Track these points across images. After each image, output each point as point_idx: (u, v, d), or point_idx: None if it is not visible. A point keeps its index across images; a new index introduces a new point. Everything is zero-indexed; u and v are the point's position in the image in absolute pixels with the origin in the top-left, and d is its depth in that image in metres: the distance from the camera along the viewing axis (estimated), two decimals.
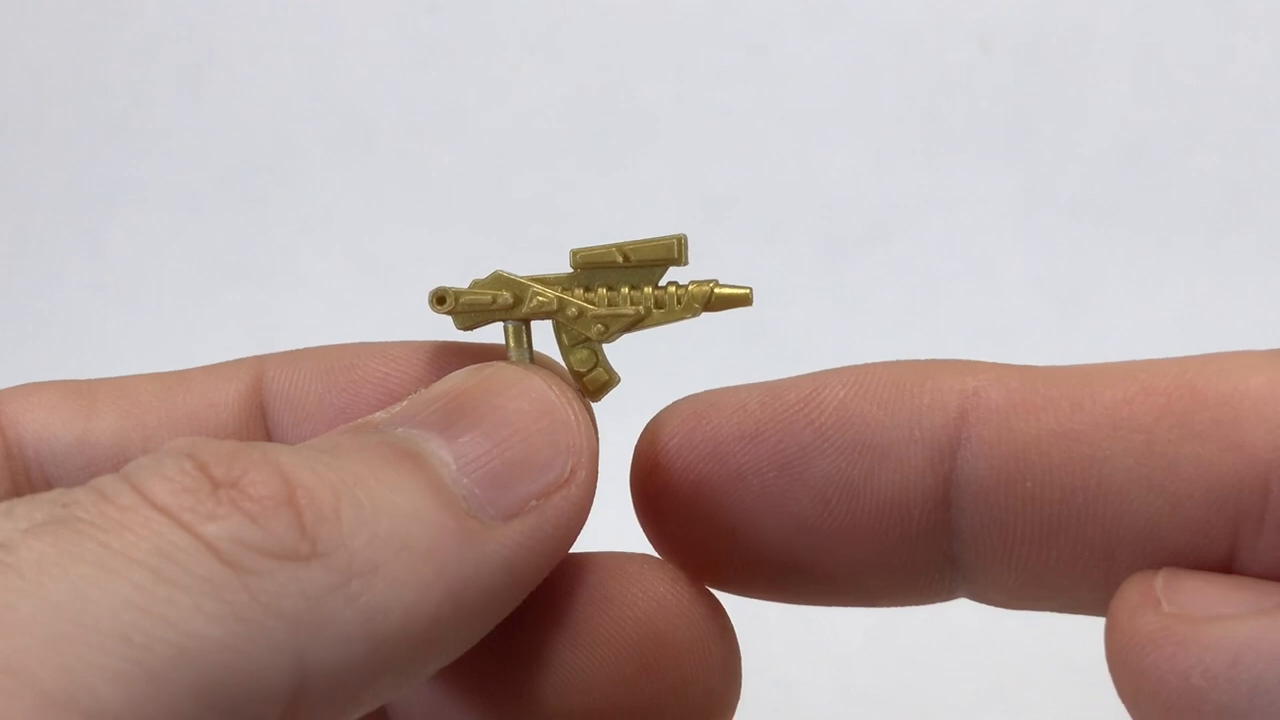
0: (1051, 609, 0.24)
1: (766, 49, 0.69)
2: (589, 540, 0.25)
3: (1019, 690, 0.55)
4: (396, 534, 0.20)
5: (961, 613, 0.59)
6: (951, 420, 0.22)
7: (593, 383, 0.25)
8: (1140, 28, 0.67)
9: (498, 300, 0.25)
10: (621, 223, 0.71)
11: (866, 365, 0.23)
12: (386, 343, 0.27)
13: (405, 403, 0.23)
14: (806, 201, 0.68)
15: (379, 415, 0.23)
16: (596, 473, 0.23)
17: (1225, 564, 0.21)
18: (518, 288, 0.25)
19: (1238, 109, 0.66)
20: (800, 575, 0.24)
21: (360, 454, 0.21)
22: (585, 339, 0.25)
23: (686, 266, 0.25)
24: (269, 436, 0.27)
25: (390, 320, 0.70)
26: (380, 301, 0.70)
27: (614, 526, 0.29)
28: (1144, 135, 0.66)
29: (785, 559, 0.24)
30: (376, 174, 0.71)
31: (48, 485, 0.26)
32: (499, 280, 0.25)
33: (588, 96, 0.70)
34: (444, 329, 0.26)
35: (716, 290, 0.25)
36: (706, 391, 0.24)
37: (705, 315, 0.25)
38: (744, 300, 0.24)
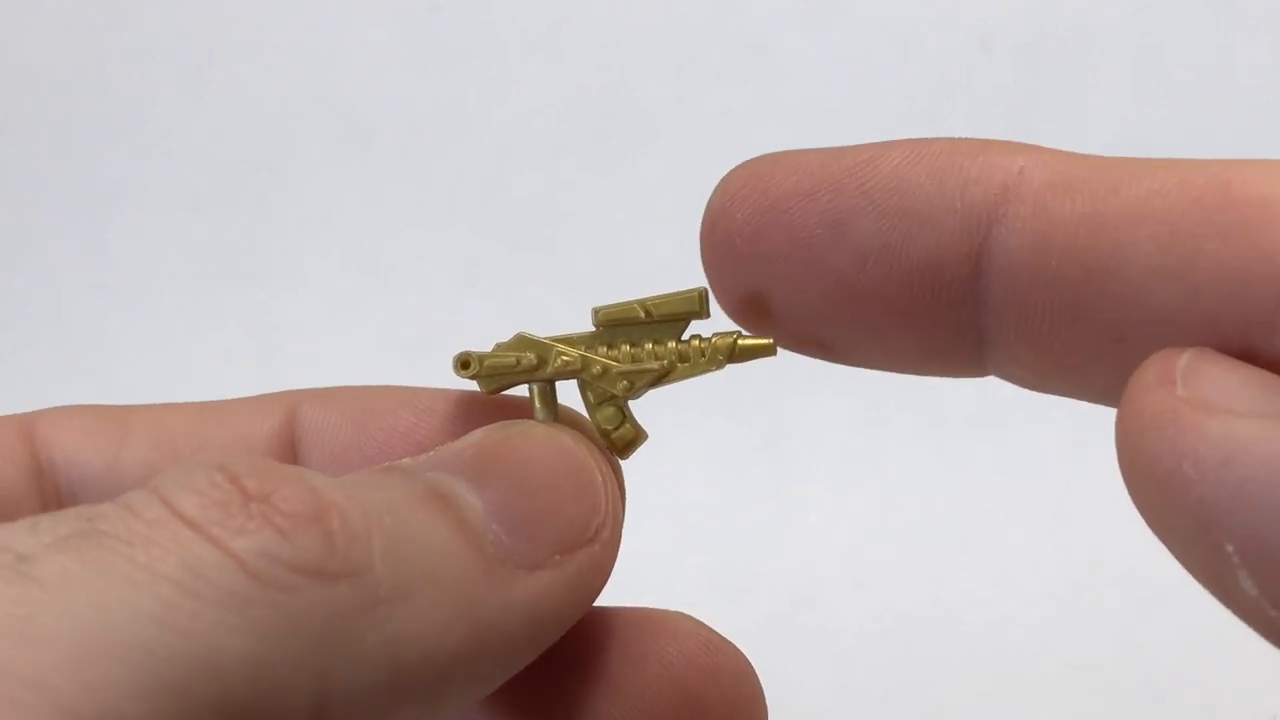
0: (1071, 393, 0.24)
1: (766, 49, 0.69)
2: (621, 594, 0.25)
3: (1018, 691, 0.55)
4: (425, 566, 0.20)
5: (961, 613, 0.60)
6: (992, 194, 0.23)
7: (620, 440, 0.25)
8: (1140, 28, 0.67)
9: (522, 362, 0.25)
10: (621, 223, 0.71)
11: (926, 139, 0.24)
12: (418, 390, 0.27)
13: (433, 452, 0.24)
14: None
15: (407, 461, 0.23)
16: (620, 533, 0.24)
17: None
18: (541, 348, 0.25)
19: (1238, 109, 0.66)
20: (839, 331, 0.25)
21: (391, 489, 0.21)
22: (611, 396, 0.25)
23: (708, 320, 0.25)
24: None
25: (390, 320, 0.70)
26: (380, 301, 0.70)
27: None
28: (1144, 135, 0.66)
29: (826, 314, 0.24)
30: (376, 174, 0.71)
31: None
32: (522, 342, 0.25)
33: (588, 96, 0.70)
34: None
35: (740, 342, 0.25)
36: (775, 152, 0.25)
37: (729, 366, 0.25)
38: (768, 351, 0.25)
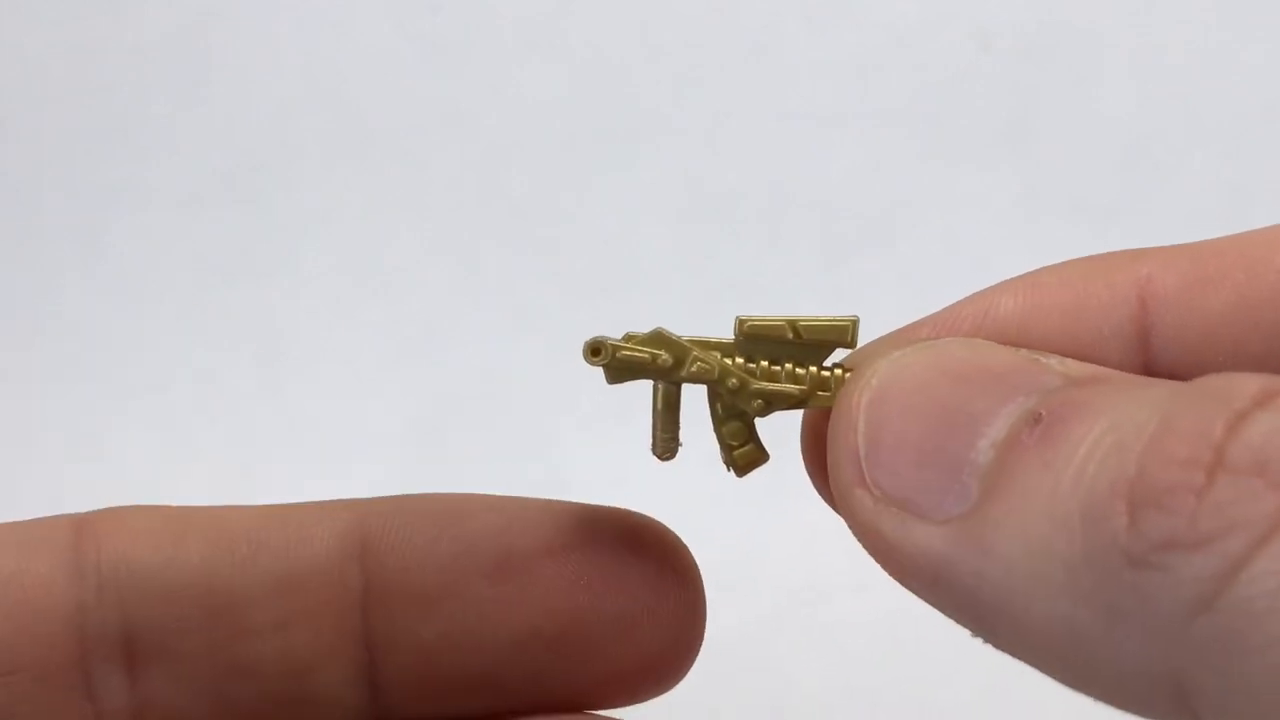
0: None
1: (766, 49, 0.69)
2: None
3: (1020, 690, 0.55)
4: None
5: None
6: (1135, 311, 0.22)
7: (743, 458, 0.25)
8: (1140, 28, 0.67)
9: (658, 360, 0.24)
10: (622, 223, 0.71)
11: (1029, 274, 0.23)
12: (503, 499, 0.26)
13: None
14: (806, 201, 0.68)
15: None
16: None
17: None
18: (679, 349, 0.24)
19: (1238, 109, 0.66)
20: None
21: None
22: (741, 412, 0.24)
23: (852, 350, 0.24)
24: (368, 580, 0.26)
25: (390, 319, 0.70)
26: (380, 301, 0.69)
27: None
28: (1144, 135, 0.66)
29: None
30: (376, 174, 0.71)
31: (122, 611, 0.25)
32: (659, 339, 0.24)
33: (588, 96, 0.70)
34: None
35: None
36: (880, 338, 0.24)
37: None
38: None
